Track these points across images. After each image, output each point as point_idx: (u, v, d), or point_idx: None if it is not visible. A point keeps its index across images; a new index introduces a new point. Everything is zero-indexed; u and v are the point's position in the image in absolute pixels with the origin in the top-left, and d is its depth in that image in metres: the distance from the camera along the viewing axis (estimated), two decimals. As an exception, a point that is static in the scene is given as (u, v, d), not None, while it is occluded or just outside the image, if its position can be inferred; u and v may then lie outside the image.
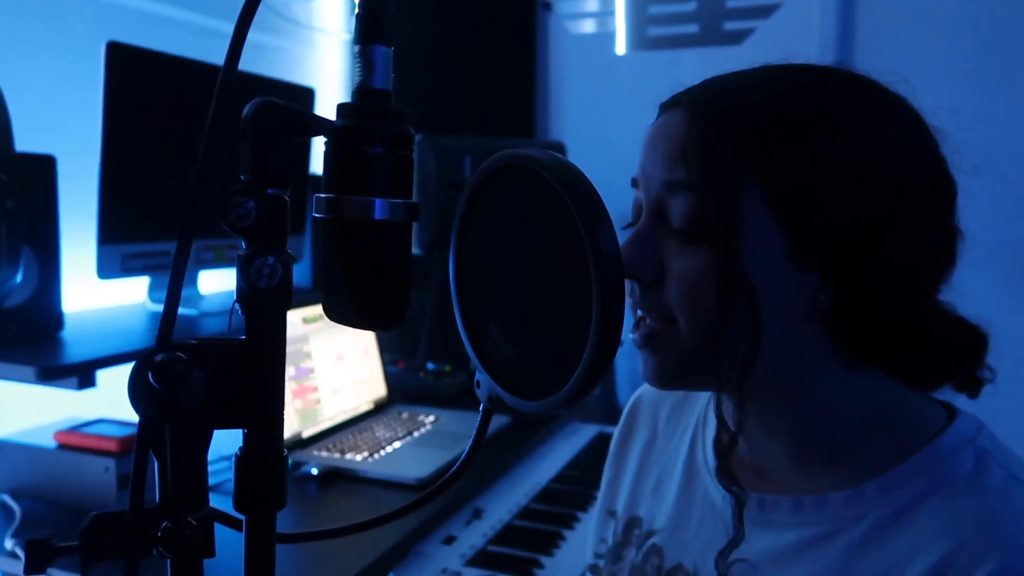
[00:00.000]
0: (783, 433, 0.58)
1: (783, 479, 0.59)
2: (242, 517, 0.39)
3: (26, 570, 0.36)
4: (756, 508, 0.59)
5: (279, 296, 0.37)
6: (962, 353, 0.57)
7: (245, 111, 0.37)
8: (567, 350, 0.44)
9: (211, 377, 0.36)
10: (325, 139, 0.40)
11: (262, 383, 0.38)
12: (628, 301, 0.57)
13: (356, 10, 0.40)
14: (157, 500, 0.37)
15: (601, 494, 0.77)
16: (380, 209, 0.39)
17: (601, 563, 0.73)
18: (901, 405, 0.58)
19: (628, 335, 0.59)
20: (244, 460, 0.38)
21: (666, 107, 0.58)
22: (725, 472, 0.58)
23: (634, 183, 0.59)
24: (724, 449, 0.58)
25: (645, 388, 0.77)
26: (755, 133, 0.52)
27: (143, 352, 0.35)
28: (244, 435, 0.39)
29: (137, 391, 0.35)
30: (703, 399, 0.70)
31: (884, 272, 0.52)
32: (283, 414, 0.39)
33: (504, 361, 0.50)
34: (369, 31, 0.40)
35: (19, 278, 0.86)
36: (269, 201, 0.37)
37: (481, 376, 0.52)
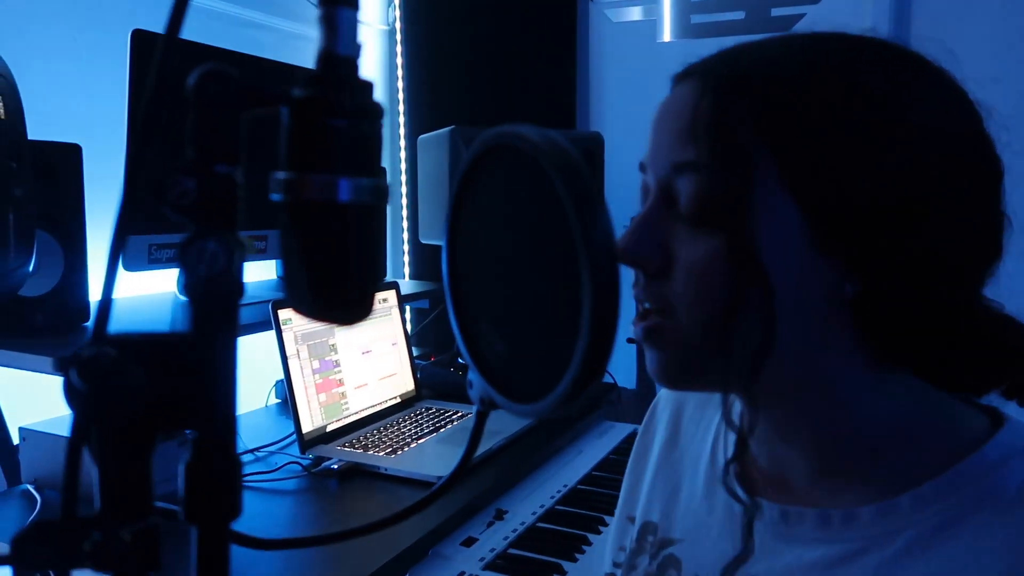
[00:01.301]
0: (803, 440, 0.53)
1: (806, 489, 0.54)
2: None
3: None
4: (779, 520, 0.54)
5: (225, 284, 0.33)
6: (1010, 355, 0.51)
7: (189, 80, 0.34)
8: (559, 349, 0.40)
9: (153, 374, 0.33)
10: (282, 109, 0.36)
11: (210, 381, 0.34)
12: (632, 291, 0.53)
13: (319, -32, 0.36)
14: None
15: (621, 499, 0.73)
16: (345, 190, 0.35)
17: (618, 572, 0.69)
18: (937, 410, 0.52)
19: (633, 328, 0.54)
20: (193, 466, 0.35)
21: (678, 79, 0.53)
22: (730, 479, 0.53)
23: (642, 167, 0.54)
24: (731, 455, 0.52)
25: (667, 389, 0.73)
26: (771, 105, 0.47)
27: (81, 346, 0.32)
28: (192, 439, 0.35)
29: (69, 389, 0.32)
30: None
31: (917, 260, 0.46)
32: (236, 415, 0.36)
33: (496, 360, 0.46)
34: (334, -8, 0.36)
35: (31, 267, 0.85)
36: (214, 180, 0.33)
37: (473, 376, 0.48)
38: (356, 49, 0.36)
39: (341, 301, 0.36)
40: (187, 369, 0.34)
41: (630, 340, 0.53)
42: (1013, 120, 0.50)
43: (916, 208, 0.46)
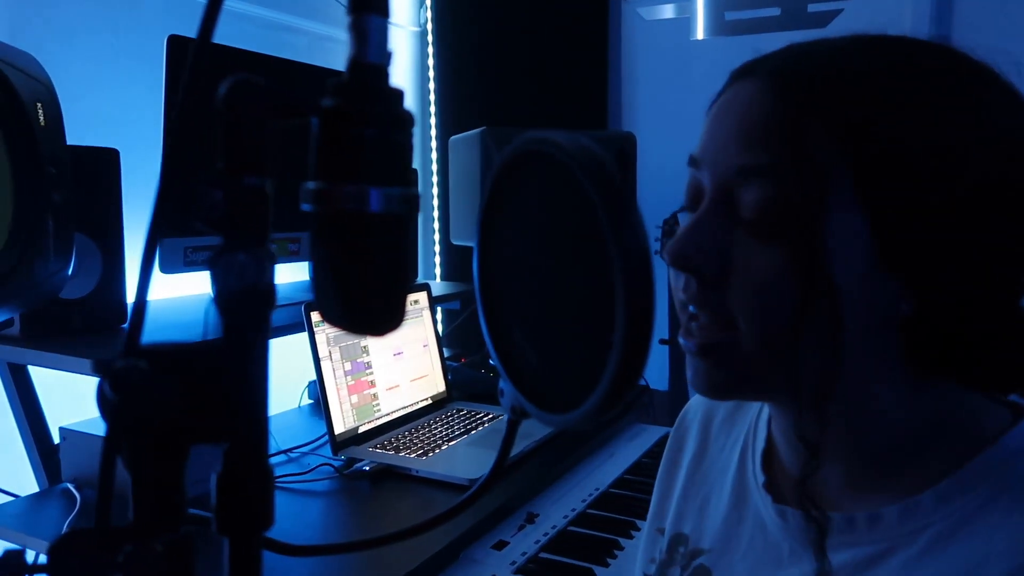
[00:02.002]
0: (839, 450, 0.52)
1: (833, 495, 0.53)
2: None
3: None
4: (808, 527, 0.53)
5: (256, 296, 0.33)
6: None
7: (220, 90, 0.34)
8: (592, 360, 0.39)
9: (184, 387, 0.33)
10: (311, 119, 0.36)
11: (242, 392, 0.34)
12: (681, 297, 0.51)
13: (349, -24, 0.36)
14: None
15: (651, 511, 0.72)
16: (375, 199, 0.35)
17: None
18: (960, 407, 0.50)
19: (681, 339, 0.53)
20: (225, 477, 0.35)
21: (738, 76, 0.51)
22: (806, 498, 0.51)
23: (693, 162, 0.52)
24: (804, 473, 0.51)
25: (696, 397, 0.71)
26: (853, 113, 0.45)
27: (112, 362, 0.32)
28: (224, 450, 0.35)
29: (102, 400, 0.32)
30: (755, 409, 0.64)
31: (976, 279, 0.45)
32: (267, 426, 0.36)
33: (528, 369, 0.46)
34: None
35: (70, 271, 0.86)
36: (244, 192, 0.33)
37: (505, 384, 0.48)
38: (386, 57, 0.36)
39: (371, 312, 0.36)
40: (219, 380, 0.34)
41: (663, 341, 0.52)
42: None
43: (980, 228, 0.45)
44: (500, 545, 1.08)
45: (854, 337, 0.46)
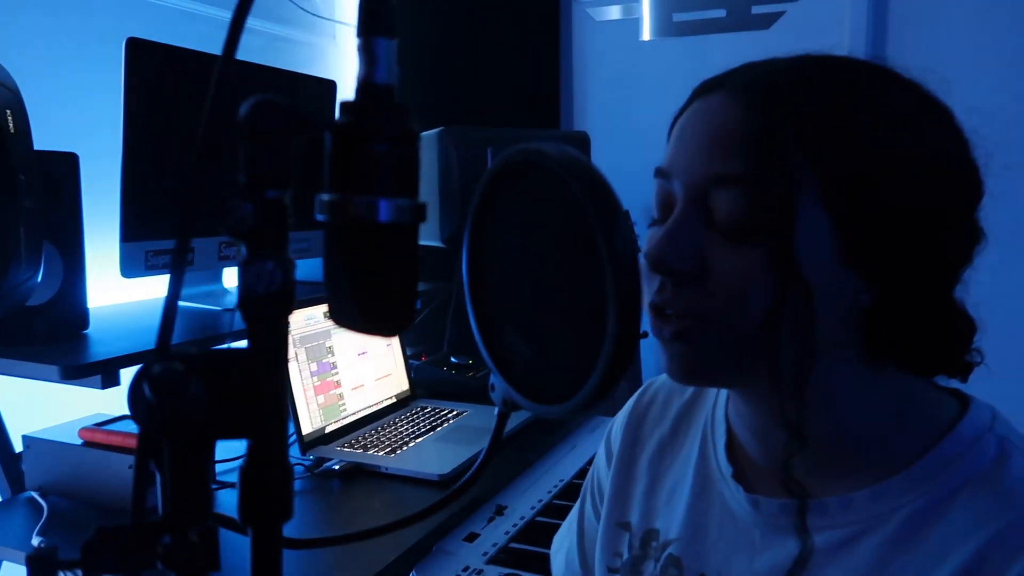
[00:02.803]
0: (808, 435, 0.56)
1: (804, 481, 0.56)
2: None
3: (28, 584, 0.35)
4: (779, 513, 0.57)
5: (280, 302, 0.36)
6: (962, 341, 0.55)
7: (242, 110, 0.36)
8: (583, 354, 0.43)
9: (212, 387, 0.35)
10: (326, 135, 0.38)
11: (265, 391, 0.37)
12: (655, 300, 0.55)
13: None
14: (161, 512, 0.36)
15: (608, 504, 0.72)
16: (385, 210, 0.38)
17: None
18: (914, 398, 0.56)
19: (650, 330, 0.57)
20: (248, 471, 0.37)
21: (703, 91, 0.55)
22: (789, 479, 0.55)
23: (661, 174, 0.56)
24: (788, 453, 0.54)
25: (650, 390, 0.75)
26: (816, 124, 0.49)
27: (145, 365, 0.34)
28: (248, 446, 0.38)
29: (136, 402, 0.34)
30: (709, 402, 0.68)
31: (924, 271, 0.51)
32: (287, 423, 0.38)
33: (519, 364, 0.49)
34: (371, 22, 0.38)
35: (39, 278, 0.86)
36: (268, 204, 0.35)
37: (495, 379, 0.51)
38: (394, 76, 0.38)
39: (383, 315, 0.39)
40: (243, 379, 0.36)
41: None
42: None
43: (926, 226, 0.50)
44: (471, 537, 1.11)
45: (824, 326, 0.51)
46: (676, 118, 0.58)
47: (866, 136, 0.50)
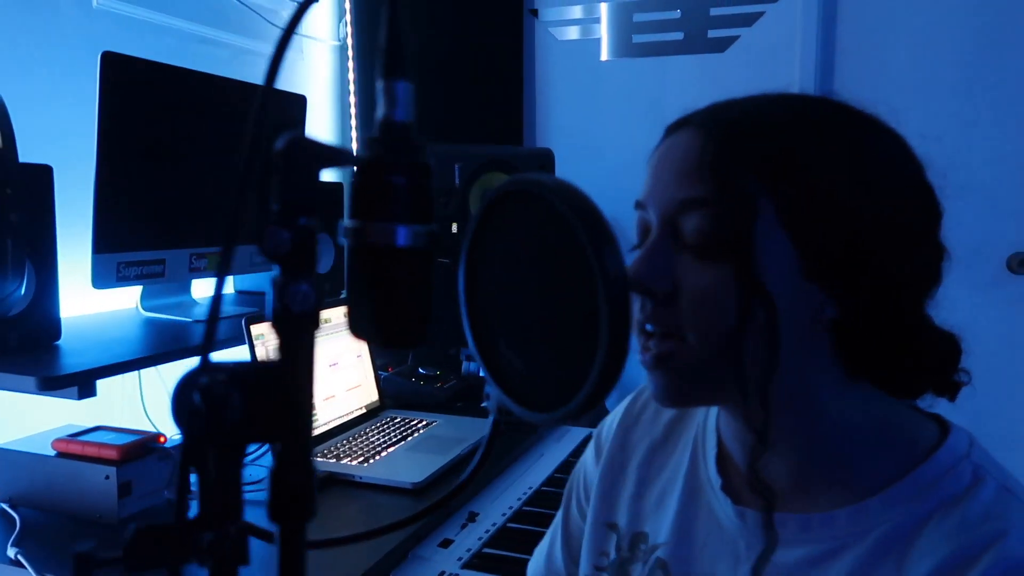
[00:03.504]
0: (785, 447, 0.60)
1: (786, 496, 0.61)
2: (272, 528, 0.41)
3: (74, 580, 0.38)
4: (763, 526, 0.61)
5: (311, 320, 0.39)
6: (943, 360, 0.60)
7: (277, 145, 0.40)
8: (576, 365, 0.47)
9: (247, 396, 0.39)
10: (350, 168, 0.42)
11: (294, 401, 0.40)
12: (639, 317, 0.59)
13: (381, 46, 0.42)
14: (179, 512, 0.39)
15: (595, 504, 0.76)
16: (402, 236, 0.42)
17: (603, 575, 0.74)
18: (895, 419, 0.60)
19: (635, 354, 0.61)
20: (277, 473, 0.41)
21: (673, 129, 0.61)
22: (756, 479, 0.59)
23: (639, 206, 0.62)
24: (752, 457, 0.59)
25: (644, 395, 0.79)
26: (769, 152, 0.55)
27: (190, 372, 0.38)
28: (276, 450, 0.41)
29: (180, 410, 0.38)
30: (701, 412, 0.72)
31: (884, 286, 0.56)
32: (312, 429, 0.42)
33: (514, 375, 0.53)
34: (392, 67, 0.42)
35: (23, 290, 0.88)
36: (302, 231, 0.39)
37: (490, 389, 0.55)
38: (411, 115, 0.43)
39: (401, 330, 0.43)
40: (274, 391, 0.40)
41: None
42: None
43: (883, 243, 0.55)
44: (446, 543, 1.14)
45: (789, 336, 0.55)
46: (652, 154, 0.63)
47: (815, 158, 0.55)
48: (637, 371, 0.63)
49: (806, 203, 0.55)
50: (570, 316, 0.48)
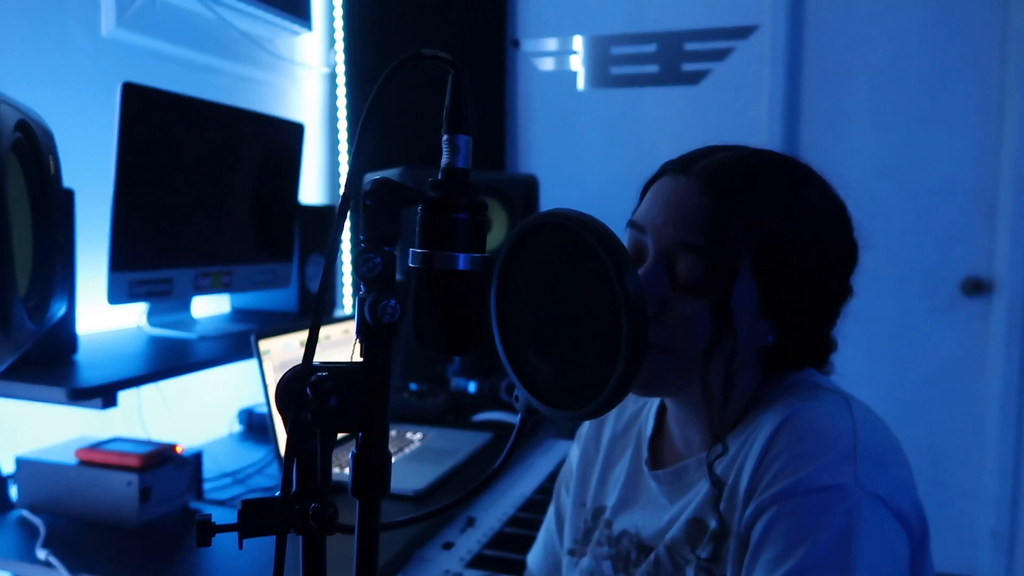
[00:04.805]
0: (706, 424, 0.75)
1: (695, 450, 0.77)
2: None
3: (197, 544, 0.46)
4: (672, 479, 0.77)
5: (394, 330, 0.48)
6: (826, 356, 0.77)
7: (365, 186, 0.49)
8: (599, 369, 0.56)
9: (340, 392, 0.47)
10: (420, 206, 0.51)
11: (376, 396, 0.49)
12: None
13: (446, 107, 0.52)
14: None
15: (574, 490, 0.90)
16: (463, 262, 0.51)
17: (576, 546, 0.87)
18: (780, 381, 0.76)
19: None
20: (359, 457, 0.49)
21: (672, 170, 0.73)
22: (712, 474, 0.72)
23: (635, 226, 0.73)
24: (711, 457, 0.72)
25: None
26: (753, 215, 0.68)
27: (293, 372, 0.46)
28: (359, 438, 0.49)
29: (287, 403, 0.46)
30: (647, 408, 0.87)
31: (816, 320, 0.73)
32: (388, 421, 0.50)
33: (541, 379, 0.62)
34: (455, 122, 0.52)
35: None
36: (387, 256, 0.48)
37: (519, 391, 0.64)
38: (469, 163, 0.52)
39: (462, 338, 0.51)
40: (360, 388, 0.48)
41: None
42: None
43: (819, 288, 0.72)
44: (448, 545, 1.22)
45: (741, 358, 0.70)
46: (648, 183, 0.76)
47: (784, 223, 0.70)
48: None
49: (774, 259, 0.69)
50: (593, 327, 0.57)
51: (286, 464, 0.47)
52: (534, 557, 0.99)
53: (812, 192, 0.73)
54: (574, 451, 0.94)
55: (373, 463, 0.49)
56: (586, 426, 0.93)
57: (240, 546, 0.47)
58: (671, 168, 0.73)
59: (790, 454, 0.66)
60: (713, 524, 0.71)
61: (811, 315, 0.72)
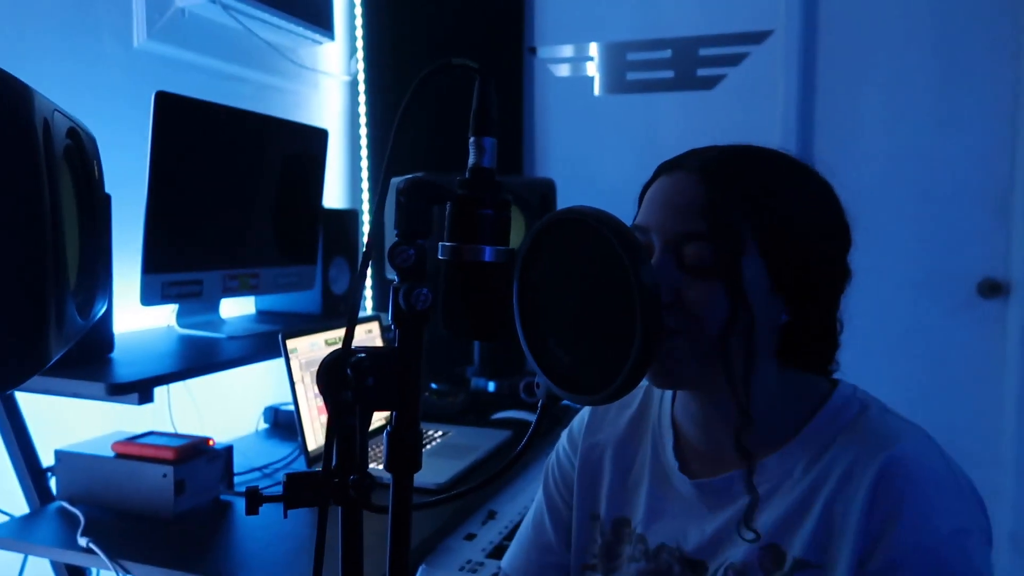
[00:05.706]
0: (733, 422, 0.75)
1: (729, 460, 0.76)
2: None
3: (246, 512, 0.51)
4: (719, 490, 0.77)
5: (426, 317, 0.52)
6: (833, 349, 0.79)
7: (399, 185, 0.53)
8: (615, 357, 0.60)
9: (377, 373, 0.51)
10: (449, 203, 0.55)
11: (409, 378, 0.53)
12: None
13: (473, 110, 0.56)
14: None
15: (578, 499, 0.88)
16: (489, 254, 0.55)
17: (595, 561, 0.85)
18: (803, 385, 0.78)
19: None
20: (394, 434, 0.53)
21: (666, 170, 0.76)
22: (739, 446, 0.73)
23: (639, 230, 0.75)
24: (738, 428, 0.73)
25: (586, 412, 0.92)
26: (751, 197, 0.71)
27: (335, 355, 0.51)
28: (394, 416, 0.53)
29: (330, 382, 0.50)
30: (654, 410, 0.87)
31: (823, 299, 0.75)
32: (420, 401, 0.54)
33: (561, 367, 0.66)
34: (481, 125, 0.56)
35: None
36: (420, 249, 0.52)
37: (541, 379, 0.68)
38: (494, 162, 0.56)
39: (487, 325, 0.55)
40: (395, 370, 0.52)
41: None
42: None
43: (822, 265, 0.74)
44: (470, 537, 1.26)
45: (760, 338, 0.71)
46: (645, 188, 0.79)
47: (781, 202, 0.72)
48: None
49: (777, 236, 0.71)
50: (610, 315, 0.61)
51: (327, 440, 0.51)
52: (512, 560, 0.96)
53: (803, 176, 0.76)
54: (563, 451, 0.92)
55: (407, 439, 0.53)
56: (576, 426, 0.92)
57: (285, 515, 0.51)
58: (665, 169, 0.76)
59: (913, 501, 0.67)
60: (796, 554, 0.71)
61: (819, 291, 0.74)
